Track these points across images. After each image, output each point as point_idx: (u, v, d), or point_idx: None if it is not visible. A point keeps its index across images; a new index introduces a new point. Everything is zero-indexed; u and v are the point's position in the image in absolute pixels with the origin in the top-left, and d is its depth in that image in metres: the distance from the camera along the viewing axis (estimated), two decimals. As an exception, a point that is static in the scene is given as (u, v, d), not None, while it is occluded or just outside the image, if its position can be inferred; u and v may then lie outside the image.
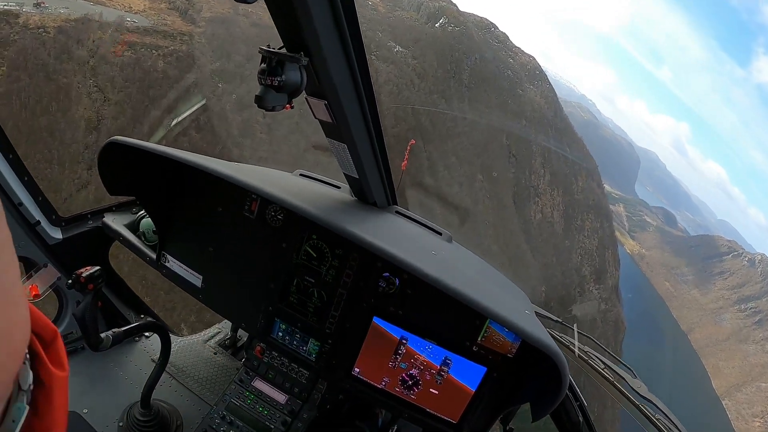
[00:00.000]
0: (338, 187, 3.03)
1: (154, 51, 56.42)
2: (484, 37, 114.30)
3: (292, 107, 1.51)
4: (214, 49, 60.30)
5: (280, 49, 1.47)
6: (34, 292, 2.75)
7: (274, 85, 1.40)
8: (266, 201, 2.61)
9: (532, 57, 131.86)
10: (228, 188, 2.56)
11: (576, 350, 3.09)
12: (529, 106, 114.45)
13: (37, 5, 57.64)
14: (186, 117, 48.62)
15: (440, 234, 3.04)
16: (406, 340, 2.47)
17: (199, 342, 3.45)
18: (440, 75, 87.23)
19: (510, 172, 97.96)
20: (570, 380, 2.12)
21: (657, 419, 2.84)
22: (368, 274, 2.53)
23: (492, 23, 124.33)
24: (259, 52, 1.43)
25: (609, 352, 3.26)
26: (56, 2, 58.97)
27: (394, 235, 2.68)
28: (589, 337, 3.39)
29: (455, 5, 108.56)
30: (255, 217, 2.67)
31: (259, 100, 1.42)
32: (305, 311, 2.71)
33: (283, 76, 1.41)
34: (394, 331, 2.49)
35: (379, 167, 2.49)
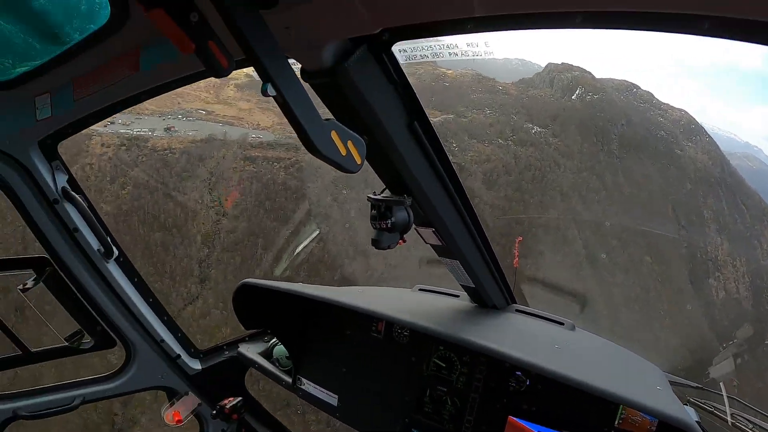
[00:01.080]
0: (457, 296, 3.13)
1: (275, 163, 59.33)
2: (627, 99, 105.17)
3: (404, 242, 1.71)
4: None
5: (382, 192, 1.76)
6: (177, 418, 3.14)
7: (387, 227, 1.62)
8: (391, 321, 2.78)
9: (684, 111, 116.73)
10: (353, 314, 2.86)
11: (728, 418, 2.85)
12: (692, 166, 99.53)
13: (167, 130, 64.03)
14: (306, 246, 50.00)
15: (562, 324, 3.00)
16: None
17: None
18: (586, 150, 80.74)
19: (682, 247, 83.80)
20: None
21: None
22: (498, 376, 2.57)
23: (633, 84, 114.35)
24: (368, 200, 1.68)
25: (762, 413, 3.00)
26: (186, 125, 65.67)
27: (516, 336, 2.73)
28: (738, 400, 3.06)
29: (590, 73, 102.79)
30: (383, 337, 2.86)
31: (376, 243, 1.65)
32: (441, 419, 2.76)
33: (392, 218, 1.64)
34: (531, 427, 2.43)
35: (492, 272, 2.61)
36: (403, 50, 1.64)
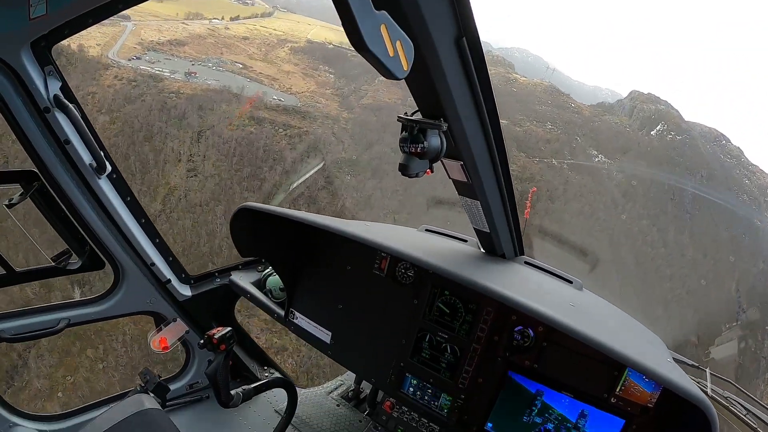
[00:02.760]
0: (465, 241, 3.04)
1: (281, 129, 54.83)
2: (713, 150, 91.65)
3: (432, 171, 1.60)
4: (353, 135, 57.13)
5: (413, 115, 1.56)
6: (163, 344, 3.05)
7: (418, 152, 1.48)
8: (396, 258, 2.66)
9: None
10: (356, 247, 2.70)
11: (709, 391, 3.07)
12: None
13: (188, 74, 61.32)
14: (305, 180, 49.35)
15: (571, 282, 2.94)
16: (542, 393, 2.41)
17: (323, 394, 3.58)
18: (654, 195, 69.46)
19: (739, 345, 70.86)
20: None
21: None
22: (503, 328, 2.49)
23: (723, 135, 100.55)
24: (399, 120, 1.52)
25: (752, 397, 3.35)
26: (213, 74, 62.01)
27: (526, 287, 2.64)
28: (729, 381, 3.45)
29: (677, 111, 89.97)
30: (385, 275, 2.73)
31: (404, 168, 1.50)
32: (438, 366, 2.68)
33: (425, 143, 1.48)
34: (529, 386, 2.43)
35: (509, 219, 2.50)
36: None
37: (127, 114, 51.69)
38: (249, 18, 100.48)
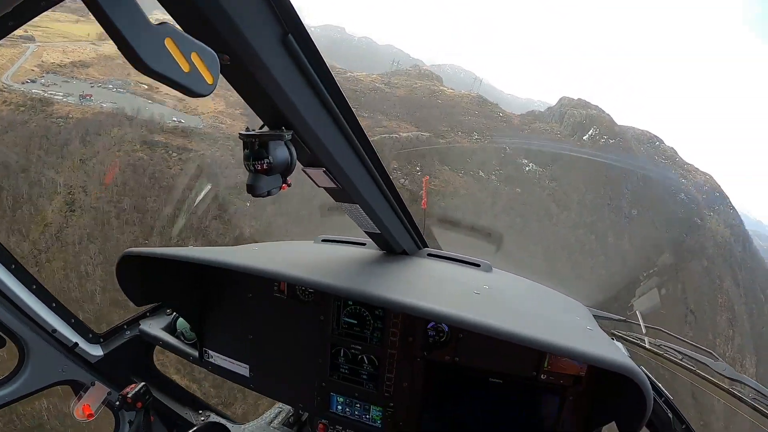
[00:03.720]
0: (364, 244, 2.97)
1: (176, 153, 50.77)
2: (648, 152, 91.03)
3: (289, 185, 1.46)
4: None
5: (261, 128, 1.44)
6: (87, 412, 2.93)
7: (264, 168, 1.35)
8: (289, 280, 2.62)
9: (709, 175, 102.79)
10: (252, 274, 2.58)
11: (647, 344, 3.06)
12: (711, 240, 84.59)
13: (82, 97, 57.10)
14: (195, 207, 44.11)
15: (478, 266, 2.90)
16: (470, 385, 2.40)
17: (263, 425, 3.41)
18: (589, 201, 66.47)
19: (687, 336, 68.16)
20: (651, 378, 2.15)
21: (753, 399, 2.82)
22: (415, 328, 2.44)
23: (656, 136, 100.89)
24: (239, 137, 1.39)
25: (683, 340, 3.22)
26: (110, 96, 57.85)
27: (430, 283, 2.55)
28: (658, 329, 3.29)
29: (608, 115, 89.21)
30: (287, 297, 2.67)
31: (251, 188, 1.36)
32: (359, 380, 2.61)
33: (269, 158, 1.35)
34: (455, 379, 2.42)
35: (399, 216, 2.45)
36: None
37: (6, 142, 46.10)
38: None
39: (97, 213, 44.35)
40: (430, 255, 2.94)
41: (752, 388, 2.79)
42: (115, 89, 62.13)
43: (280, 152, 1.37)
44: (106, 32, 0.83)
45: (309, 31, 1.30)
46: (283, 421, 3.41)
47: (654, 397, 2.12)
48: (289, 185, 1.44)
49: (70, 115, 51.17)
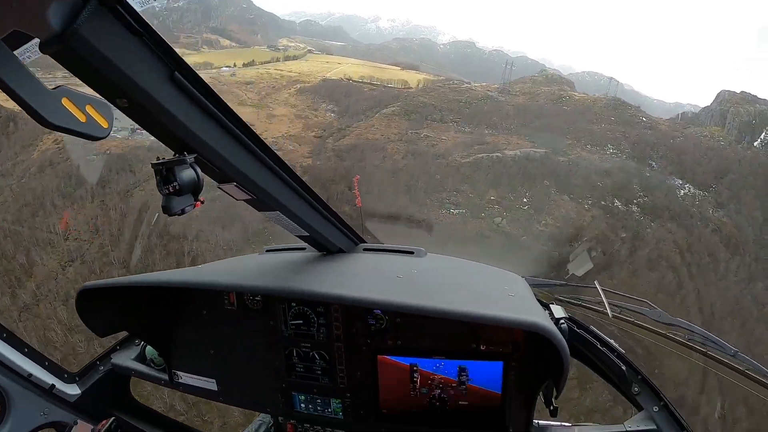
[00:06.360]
0: (304, 248, 3.10)
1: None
2: None
3: (202, 202, 1.63)
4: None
5: (175, 155, 1.62)
6: None
7: (174, 191, 1.52)
8: (236, 290, 2.82)
9: None
10: (204, 292, 2.86)
11: (591, 305, 3.29)
12: None
13: (133, 130, 57.53)
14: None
15: (412, 253, 3.07)
16: (417, 365, 2.54)
17: None
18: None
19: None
20: (598, 334, 2.52)
21: (688, 341, 3.09)
22: (356, 319, 2.63)
23: None
24: (152, 167, 1.57)
25: (617, 293, 3.43)
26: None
27: (365, 275, 2.76)
28: (596, 287, 3.47)
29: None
30: (237, 308, 2.84)
31: (166, 209, 1.54)
32: (315, 375, 2.80)
33: (176, 181, 1.52)
34: (401, 361, 2.56)
35: (326, 217, 2.59)
36: (137, -4, 1.56)
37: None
38: (269, 62, 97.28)
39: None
40: (366, 250, 3.04)
41: (687, 329, 3.10)
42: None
43: (186, 174, 1.53)
44: (13, 100, 1.05)
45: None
46: None
47: (606, 353, 2.53)
48: (202, 202, 1.59)
49: (107, 150, 51.75)
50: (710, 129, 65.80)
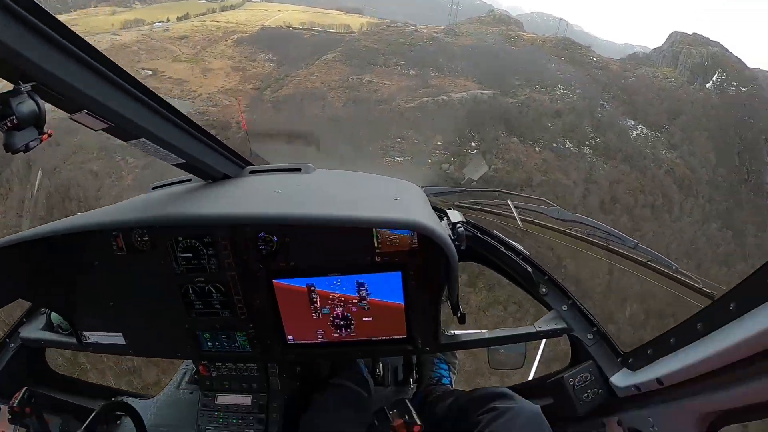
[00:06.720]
0: (190, 180, 2.97)
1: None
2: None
3: (50, 135, 1.51)
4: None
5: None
6: None
7: (13, 125, 1.40)
8: (125, 231, 2.68)
9: None
10: (89, 240, 2.67)
11: (490, 208, 3.32)
12: None
13: None
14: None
15: (300, 170, 2.99)
16: (313, 285, 2.51)
17: (172, 390, 3.50)
18: (723, 179, 48.25)
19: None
20: (501, 237, 2.55)
21: (589, 236, 3.12)
22: (245, 245, 2.53)
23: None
24: None
25: (516, 194, 3.47)
26: None
27: (250, 197, 2.67)
28: (495, 190, 3.59)
29: (734, 55, 67.77)
30: (126, 252, 2.72)
31: (7, 147, 1.43)
32: (214, 310, 2.74)
33: (14, 115, 1.39)
34: (297, 284, 2.51)
35: (204, 141, 2.45)
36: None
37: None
38: (204, 15, 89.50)
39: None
40: (252, 172, 2.95)
41: (587, 225, 3.11)
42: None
43: (23, 107, 1.39)
44: None
45: None
46: (190, 379, 3.46)
47: (512, 256, 2.55)
48: (50, 135, 1.47)
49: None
50: (662, 70, 63.32)
